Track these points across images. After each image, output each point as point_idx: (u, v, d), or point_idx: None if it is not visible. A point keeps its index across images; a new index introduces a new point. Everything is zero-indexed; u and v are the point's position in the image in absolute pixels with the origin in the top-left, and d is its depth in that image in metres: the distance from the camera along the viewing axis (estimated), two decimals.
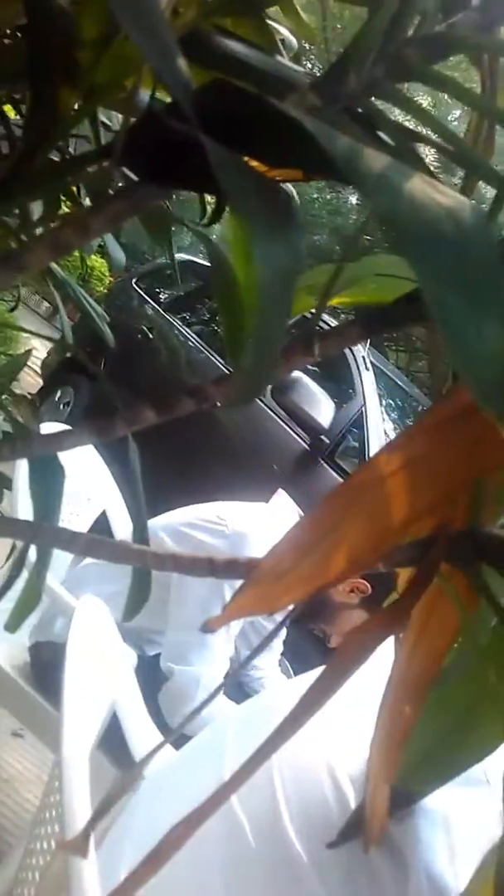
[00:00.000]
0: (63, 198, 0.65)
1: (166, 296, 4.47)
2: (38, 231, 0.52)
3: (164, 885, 0.60)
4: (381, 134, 0.36)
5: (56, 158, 0.59)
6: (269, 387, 3.19)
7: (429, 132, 0.37)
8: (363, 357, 3.24)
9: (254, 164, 0.43)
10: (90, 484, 1.68)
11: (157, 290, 4.48)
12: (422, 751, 0.56)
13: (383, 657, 0.46)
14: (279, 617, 1.60)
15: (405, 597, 0.36)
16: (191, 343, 3.70)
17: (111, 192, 0.33)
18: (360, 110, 0.35)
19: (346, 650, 0.35)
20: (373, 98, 0.35)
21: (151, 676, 1.26)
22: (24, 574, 0.46)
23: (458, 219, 0.22)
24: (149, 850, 0.62)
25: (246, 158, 0.42)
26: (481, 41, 0.32)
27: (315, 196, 8.15)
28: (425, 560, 0.38)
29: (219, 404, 0.35)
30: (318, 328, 0.38)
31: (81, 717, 0.63)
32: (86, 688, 0.69)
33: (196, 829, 0.33)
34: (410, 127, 0.35)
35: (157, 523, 1.44)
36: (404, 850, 0.53)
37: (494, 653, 0.47)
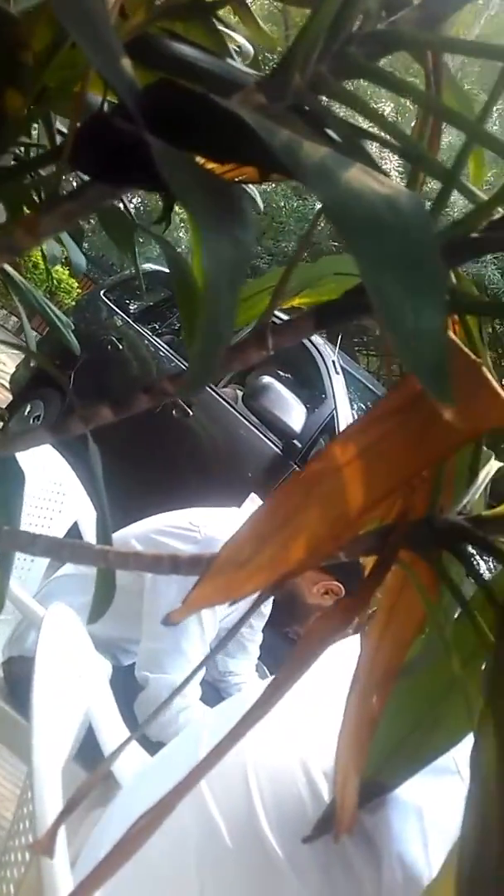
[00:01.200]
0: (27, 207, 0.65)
1: (136, 307, 4.46)
2: None
3: (141, 887, 0.60)
4: (330, 132, 0.37)
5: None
6: (241, 394, 3.21)
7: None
8: (333, 361, 3.27)
9: (211, 166, 0.43)
10: (61, 495, 1.67)
11: (127, 301, 4.47)
12: (391, 742, 0.56)
13: (354, 655, 0.47)
14: (255, 622, 1.60)
15: (365, 584, 0.37)
16: (161, 353, 3.70)
17: (63, 193, 0.33)
18: (308, 108, 0.35)
19: (309, 637, 0.35)
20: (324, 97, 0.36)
21: (127, 686, 1.25)
22: None
23: (395, 205, 0.23)
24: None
25: (203, 161, 0.43)
26: (421, 38, 0.33)
27: (282, 204, 8.21)
28: (384, 548, 0.38)
29: (185, 410, 0.36)
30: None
31: (51, 725, 0.63)
32: (56, 696, 0.68)
33: (163, 817, 0.33)
34: (357, 124, 0.36)
35: (129, 532, 1.43)
36: (377, 840, 0.53)
37: (459, 643, 0.48)
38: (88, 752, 1.01)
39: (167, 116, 0.29)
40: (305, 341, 3.27)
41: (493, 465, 0.49)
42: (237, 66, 0.39)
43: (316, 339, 3.39)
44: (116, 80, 0.26)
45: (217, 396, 3.07)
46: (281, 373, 3.47)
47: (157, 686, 1.23)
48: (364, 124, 0.43)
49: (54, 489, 1.64)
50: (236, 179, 0.47)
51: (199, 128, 0.28)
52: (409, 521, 0.40)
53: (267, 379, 2.96)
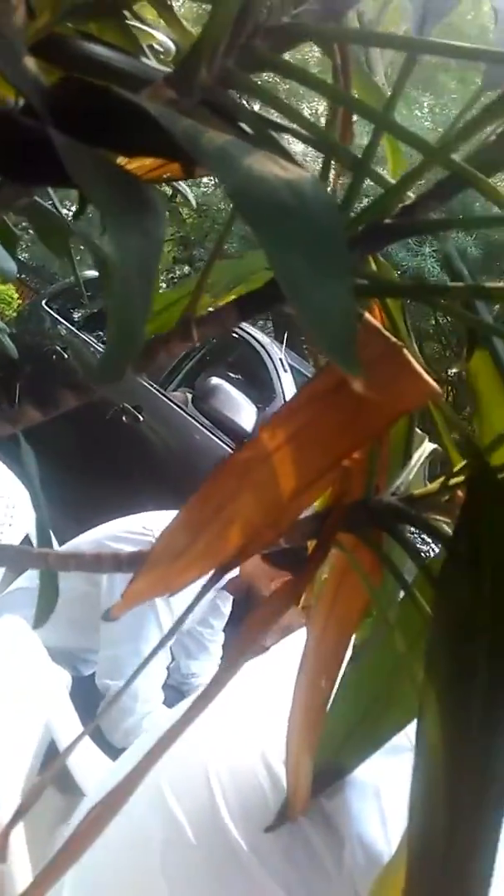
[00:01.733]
0: None
1: (80, 314, 4.41)
2: None
3: (106, 887, 0.60)
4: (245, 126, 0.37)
5: None
6: (191, 396, 3.20)
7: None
8: (280, 360, 3.29)
9: (136, 165, 0.44)
10: (10, 508, 1.64)
11: (70, 309, 4.42)
12: (347, 725, 0.57)
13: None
14: (215, 622, 1.60)
15: (304, 567, 0.37)
16: None
17: None
18: (221, 102, 0.36)
19: (253, 620, 0.36)
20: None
21: (89, 695, 1.24)
22: None
23: (297, 189, 0.23)
24: (89, 867, 0.61)
25: (126, 162, 0.43)
26: (324, 30, 0.33)
27: (221, 206, 8.23)
28: (322, 531, 0.39)
29: (136, 415, 0.36)
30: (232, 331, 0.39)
31: (4, 738, 0.62)
32: (8, 709, 0.67)
33: (118, 806, 0.33)
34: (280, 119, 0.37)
35: (82, 540, 1.42)
36: (337, 822, 0.54)
37: (405, 624, 0.49)
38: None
39: (74, 112, 0.29)
40: (252, 341, 3.28)
41: (426, 447, 0.50)
42: (151, 65, 0.39)
43: (262, 338, 3.41)
44: (18, 78, 0.27)
45: (167, 400, 3.06)
46: (231, 374, 3.48)
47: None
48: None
49: (2, 503, 1.61)
50: (164, 177, 0.47)
51: (106, 122, 0.28)
52: (345, 504, 0.41)
53: (215, 380, 2.96)
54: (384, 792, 0.56)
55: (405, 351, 0.34)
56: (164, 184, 0.70)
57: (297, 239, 0.22)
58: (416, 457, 0.48)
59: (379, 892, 0.47)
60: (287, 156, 0.34)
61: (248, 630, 0.36)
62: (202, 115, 0.34)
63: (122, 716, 1.21)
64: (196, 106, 0.33)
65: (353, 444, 0.34)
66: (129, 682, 0.39)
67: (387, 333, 0.35)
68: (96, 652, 1.33)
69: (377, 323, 0.36)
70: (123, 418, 2.89)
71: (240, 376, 3.52)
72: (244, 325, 3.40)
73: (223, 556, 0.34)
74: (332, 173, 0.41)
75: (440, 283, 0.33)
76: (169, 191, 0.71)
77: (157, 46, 0.62)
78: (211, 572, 0.35)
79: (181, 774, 0.64)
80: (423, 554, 0.43)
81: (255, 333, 3.35)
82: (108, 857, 0.61)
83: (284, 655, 0.75)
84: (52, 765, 0.35)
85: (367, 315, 0.35)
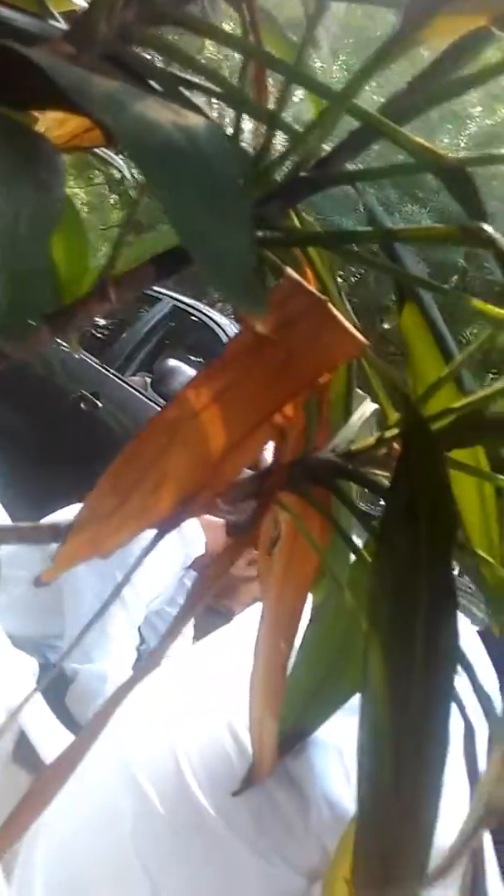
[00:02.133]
0: None
1: None
2: None
3: (79, 863, 0.60)
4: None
5: None
6: (150, 381, 3.17)
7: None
8: None
9: (59, 133, 0.42)
10: None
11: None
12: (309, 688, 0.58)
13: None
14: (182, 601, 1.60)
15: (247, 527, 0.37)
16: (64, 348, 3.61)
17: None
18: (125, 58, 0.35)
19: (204, 577, 0.36)
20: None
21: (57, 681, 1.23)
22: None
23: (191, 133, 0.23)
24: (62, 841, 0.61)
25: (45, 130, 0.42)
26: None
27: None
28: (262, 490, 0.39)
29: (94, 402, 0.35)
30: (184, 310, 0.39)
31: None
32: None
33: (72, 766, 0.33)
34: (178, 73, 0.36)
35: None
36: (302, 782, 0.55)
37: (354, 584, 0.49)
38: (28, 753, 0.99)
39: None
40: (210, 322, 3.25)
41: (367, 407, 0.50)
42: (51, 23, 0.38)
43: (221, 319, 3.38)
44: None
45: (126, 385, 3.02)
46: (191, 357, 3.45)
47: (86, 677, 1.21)
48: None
49: None
50: (84, 146, 0.46)
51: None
52: (284, 462, 0.41)
53: (173, 362, 2.94)
54: (346, 750, 0.57)
55: (329, 305, 0.34)
56: (113, 169, 0.69)
57: (191, 183, 0.22)
58: (357, 415, 0.48)
59: (345, 848, 0.48)
60: (194, 108, 0.34)
61: (199, 585, 0.36)
62: (103, 69, 0.33)
63: (92, 698, 1.21)
64: (99, 62, 0.33)
65: (282, 399, 0.34)
66: (81, 633, 0.38)
67: (310, 288, 0.35)
68: (62, 637, 1.32)
69: (299, 277, 0.36)
70: (82, 405, 2.86)
71: (200, 359, 3.49)
72: (202, 306, 3.36)
73: (157, 516, 0.33)
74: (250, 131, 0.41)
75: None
76: (118, 174, 0.70)
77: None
78: (153, 533, 0.35)
79: (148, 748, 0.64)
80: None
81: (213, 314, 3.32)
82: (80, 831, 0.61)
83: (250, 628, 0.75)
84: (4, 728, 0.35)
85: (288, 270, 0.35)
